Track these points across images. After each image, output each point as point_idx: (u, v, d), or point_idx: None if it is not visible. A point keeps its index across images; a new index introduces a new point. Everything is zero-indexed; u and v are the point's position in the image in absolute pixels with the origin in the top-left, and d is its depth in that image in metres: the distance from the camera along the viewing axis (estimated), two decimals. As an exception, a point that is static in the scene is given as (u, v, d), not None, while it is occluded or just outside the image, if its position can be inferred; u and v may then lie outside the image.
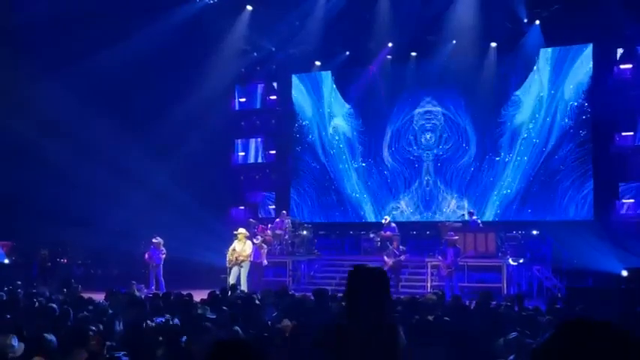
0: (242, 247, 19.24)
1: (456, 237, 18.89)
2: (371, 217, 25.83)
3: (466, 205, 24.23)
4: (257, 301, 11.53)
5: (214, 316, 9.42)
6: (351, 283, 3.88)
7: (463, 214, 22.74)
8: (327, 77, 27.12)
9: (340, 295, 12.69)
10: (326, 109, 27.07)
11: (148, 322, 8.67)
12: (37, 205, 22.09)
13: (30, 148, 22.05)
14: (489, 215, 23.80)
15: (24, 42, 22.04)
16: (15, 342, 7.11)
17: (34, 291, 14.34)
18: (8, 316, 9.50)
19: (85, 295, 13.29)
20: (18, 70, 21.52)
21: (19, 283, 16.01)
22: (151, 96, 24.22)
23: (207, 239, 21.13)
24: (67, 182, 22.48)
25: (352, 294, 3.85)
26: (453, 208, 24.72)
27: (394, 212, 25.03)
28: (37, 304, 11.37)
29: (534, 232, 21.71)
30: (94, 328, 7.59)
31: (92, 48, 22.07)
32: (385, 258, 19.12)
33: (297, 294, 14.05)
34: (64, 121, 22.12)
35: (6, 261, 22.65)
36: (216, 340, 2.91)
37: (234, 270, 19.10)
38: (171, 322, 8.89)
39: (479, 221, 21.28)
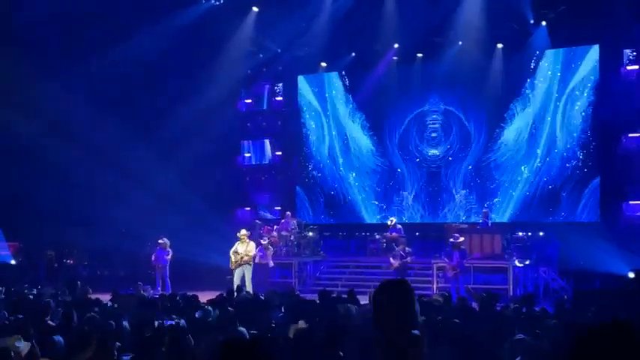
0: (245, 247, 19.21)
1: (462, 238, 18.85)
2: (377, 219, 25.81)
3: (468, 201, 24.30)
4: (263, 303, 11.55)
5: (220, 318, 9.43)
6: (378, 299, 3.82)
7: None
8: (333, 78, 27.11)
9: (345, 295, 12.71)
10: (332, 110, 27.05)
11: (155, 323, 8.68)
12: (43, 206, 22.16)
13: (37, 149, 22.11)
14: (495, 216, 23.73)
15: (29, 41, 22.08)
16: (20, 343, 7.15)
17: (41, 292, 14.37)
18: (20, 316, 9.54)
19: (92, 296, 13.33)
20: (23, 70, 21.56)
21: (26, 285, 16.04)
22: (157, 97, 24.28)
23: (212, 240, 21.12)
24: (73, 183, 22.56)
25: (380, 310, 3.78)
26: (458, 208, 24.70)
27: (399, 213, 24.99)
28: (43, 305, 11.39)
29: (540, 234, 21.66)
30: (102, 329, 7.61)
31: (97, 49, 22.14)
32: (391, 259, 19.10)
33: (302, 295, 14.07)
34: (72, 121, 22.19)
35: (13, 262, 22.73)
36: (224, 339, 2.91)
37: (239, 271, 19.07)
38: (178, 323, 8.90)
39: (489, 222, 21.21)
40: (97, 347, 6.65)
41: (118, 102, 23.38)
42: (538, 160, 23.70)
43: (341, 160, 26.80)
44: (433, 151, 25.28)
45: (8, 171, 22.14)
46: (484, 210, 22.04)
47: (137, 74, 23.02)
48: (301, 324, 8.49)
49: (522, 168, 23.91)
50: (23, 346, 7.18)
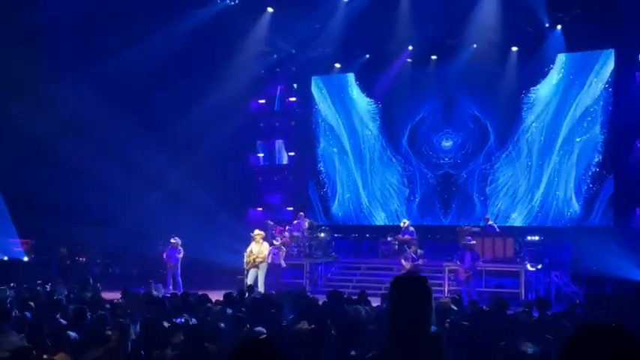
0: (259, 248, 19.21)
1: (474, 241, 18.80)
2: (389, 220, 25.76)
3: (480, 204, 24.28)
4: (274, 303, 11.54)
5: (231, 317, 9.43)
6: (392, 295, 3.71)
7: (484, 220, 22.45)
8: (347, 79, 27.11)
9: (355, 297, 12.70)
10: (345, 111, 27.05)
11: (165, 321, 8.70)
12: (56, 204, 22.24)
13: (51, 147, 22.19)
14: (507, 219, 23.65)
15: (46, 41, 22.18)
16: (15, 338, 7.26)
17: (53, 289, 14.44)
18: (27, 314, 9.58)
19: (103, 294, 13.38)
20: (39, 70, 21.67)
21: (39, 282, 16.11)
22: (170, 97, 24.32)
23: (224, 240, 21.15)
24: (86, 181, 22.65)
25: (394, 306, 3.63)
26: (470, 211, 24.63)
27: (411, 215, 24.92)
28: (55, 302, 11.44)
29: (553, 238, 21.56)
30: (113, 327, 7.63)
31: (113, 48, 22.18)
32: (403, 261, 19.07)
33: (313, 296, 14.05)
34: (85, 120, 22.28)
35: (25, 258, 22.83)
36: (241, 338, 2.93)
37: (252, 271, 19.08)
38: (189, 322, 8.91)
39: (495, 226, 21.19)
40: (117, 336, 6.69)
41: (132, 101, 23.42)
42: (551, 162, 23.60)
43: (353, 161, 26.79)
44: (445, 154, 25.24)
45: (22, 169, 22.24)
46: (486, 216, 22.13)
47: (151, 74, 23.04)
48: (303, 323, 8.49)
49: (535, 171, 23.81)
50: (18, 340, 7.26)
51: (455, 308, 11.06)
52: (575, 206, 23.17)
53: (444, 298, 13.65)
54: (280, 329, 8.62)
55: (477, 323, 9.13)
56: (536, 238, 21.37)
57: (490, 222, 21.36)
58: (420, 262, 19.25)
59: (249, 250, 19.30)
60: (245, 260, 19.28)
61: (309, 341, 7.27)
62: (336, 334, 7.74)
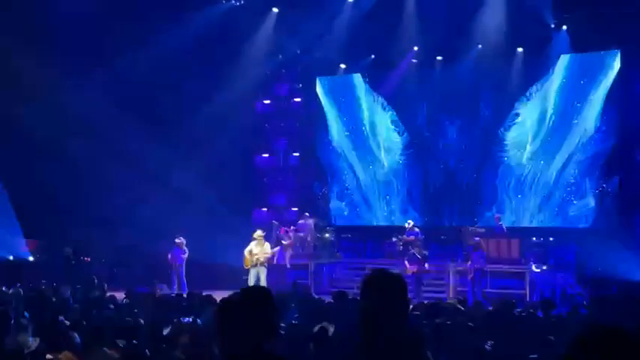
0: (261, 248, 19.17)
1: (481, 242, 18.80)
2: (394, 221, 25.72)
3: (484, 205, 24.25)
4: (278, 303, 11.55)
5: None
6: (363, 294, 3.52)
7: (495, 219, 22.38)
8: (352, 80, 27.08)
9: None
10: (350, 111, 27.03)
11: (170, 322, 8.72)
12: (62, 204, 22.29)
13: (57, 147, 22.22)
14: (513, 221, 23.60)
15: (54, 42, 22.23)
16: (30, 340, 7.28)
17: (58, 289, 14.47)
18: (32, 314, 9.60)
19: (108, 294, 13.42)
20: (47, 70, 21.71)
21: (44, 282, 16.16)
22: (176, 97, 24.34)
23: (229, 240, 21.12)
24: (92, 181, 22.68)
25: (364, 305, 3.49)
26: (474, 211, 24.60)
27: (415, 215, 24.89)
28: (59, 302, 11.47)
29: (558, 239, 21.52)
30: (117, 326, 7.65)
31: (120, 49, 22.23)
32: (406, 262, 19.01)
33: (317, 296, 14.07)
34: (91, 120, 22.29)
35: (31, 258, 22.89)
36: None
37: (253, 272, 19.03)
38: (194, 322, 8.93)
39: (504, 226, 21.16)
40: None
41: (139, 101, 23.41)
42: (556, 164, 23.56)
43: (357, 161, 26.77)
44: (450, 154, 25.21)
45: (28, 169, 22.29)
46: (496, 215, 22.05)
47: (158, 74, 23.06)
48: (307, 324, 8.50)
49: (541, 172, 23.78)
50: (32, 341, 7.29)
51: (462, 309, 11.08)
52: (580, 207, 23.12)
53: (450, 299, 13.68)
54: (284, 329, 8.64)
55: (482, 324, 9.12)
56: (542, 239, 21.33)
57: (500, 222, 21.31)
58: (426, 266, 19.17)
59: (248, 250, 19.22)
60: (246, 259, 19.21)
61: (312, 341, 7.28)
62: (339, 333, 7.75)
